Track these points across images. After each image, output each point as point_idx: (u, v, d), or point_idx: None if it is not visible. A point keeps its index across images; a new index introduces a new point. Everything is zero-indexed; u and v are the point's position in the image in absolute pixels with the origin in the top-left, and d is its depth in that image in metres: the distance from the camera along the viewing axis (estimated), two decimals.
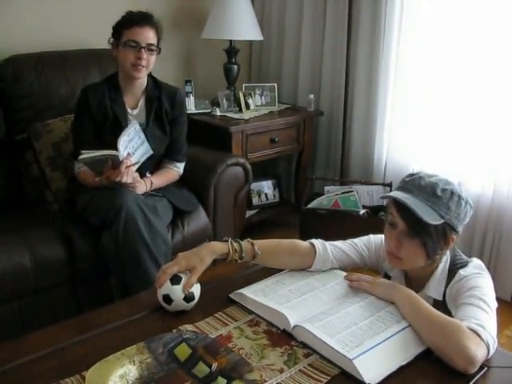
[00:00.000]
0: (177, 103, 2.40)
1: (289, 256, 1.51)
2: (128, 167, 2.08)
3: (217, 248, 1.41)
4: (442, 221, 1.30)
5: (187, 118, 2.50)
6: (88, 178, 2.23)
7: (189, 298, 1.36)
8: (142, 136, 2.22)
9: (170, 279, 1.34)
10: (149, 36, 2.22)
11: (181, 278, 1.35)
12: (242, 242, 1.44)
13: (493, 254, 2.74)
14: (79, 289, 2.15)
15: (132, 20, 2.22)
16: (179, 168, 2.43)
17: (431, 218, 1.29)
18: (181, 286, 1.34)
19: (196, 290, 1.37)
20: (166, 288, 1.34)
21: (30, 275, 2.00)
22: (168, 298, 1.34)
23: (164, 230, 2.12)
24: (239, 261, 1.43)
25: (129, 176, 2.09)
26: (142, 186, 2.19)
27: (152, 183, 2.26)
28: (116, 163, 2.06)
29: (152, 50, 2.24)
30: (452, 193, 1.32)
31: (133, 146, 2.17)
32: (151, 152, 2.25)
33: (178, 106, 2.41)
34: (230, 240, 1.43)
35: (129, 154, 2.12)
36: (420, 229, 1.31)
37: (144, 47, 2.20)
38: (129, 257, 1.95)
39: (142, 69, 2.23)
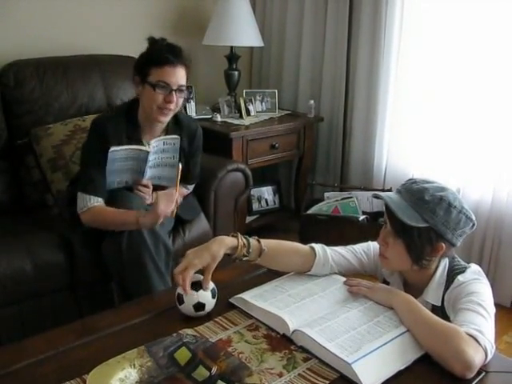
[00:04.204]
0: (195, 141, 2.26)
1: (290, 256, 1.52)
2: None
3: (227, 241, 1.42)
4: (425, 224, 1.31)
5: None
6: (110, 214, 1.98)
7: (213, 294, 1.39)
8: (176, 159, 2.08)
9: (196, 286, 1.36)
10: (180, 76, 2.00)
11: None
12: (249, 238, 1.46)
13: (492, 260, 2.74)
14: (79, 293, 2.15)
15: (162, 57, 1.97)
16: (189, 189, 2.39)
17: (412, 219, 1.30)
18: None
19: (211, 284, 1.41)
20: (199, 296, 1.35)
21: (31, 279, 2.00)
22: (202, 305, 1.36)
23: (166, 236, 2.10)
24: (246, 257, 1.44)
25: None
26: (149, 200, 2.13)
27: None
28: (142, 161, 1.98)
29: (182, 91, 2.02)
30: (441, 199, 1.31)
31: (163, 157, 2.06)
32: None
33: (196, 143, 2.27)
34: (238, 234, 1.44)
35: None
36: (402, 229, 1.33)
37: (175, 90, 1.98)
38: (131, 263, 1.94)
39: (168, 113, 2.03)
